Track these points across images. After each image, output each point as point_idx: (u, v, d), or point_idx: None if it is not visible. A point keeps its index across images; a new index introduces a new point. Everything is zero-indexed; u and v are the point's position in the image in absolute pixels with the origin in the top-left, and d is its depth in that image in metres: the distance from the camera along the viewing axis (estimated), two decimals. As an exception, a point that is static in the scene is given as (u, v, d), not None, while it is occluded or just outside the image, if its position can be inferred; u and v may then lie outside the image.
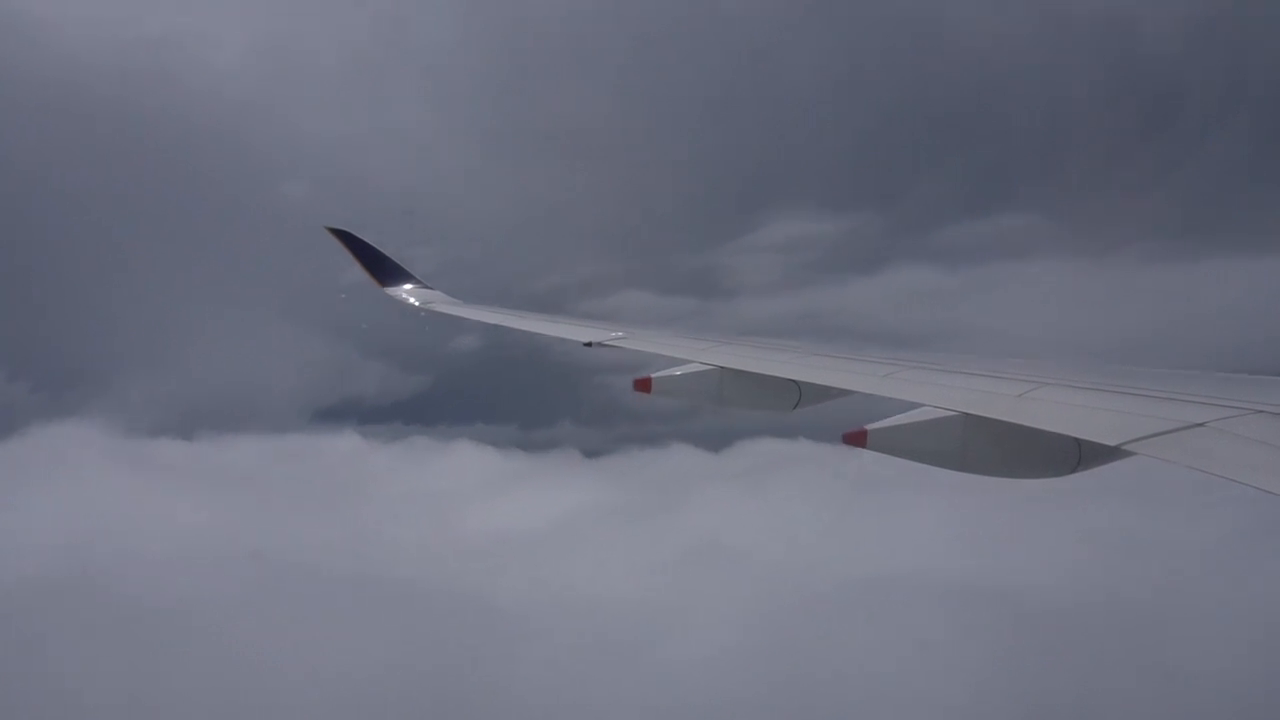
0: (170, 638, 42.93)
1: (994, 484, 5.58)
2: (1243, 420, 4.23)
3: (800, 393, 7.41)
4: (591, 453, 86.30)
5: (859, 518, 59.92)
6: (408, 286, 15.61)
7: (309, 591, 48.79)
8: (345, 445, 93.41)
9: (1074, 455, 5.14)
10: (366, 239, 16.07)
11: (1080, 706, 38.32)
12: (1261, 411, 4.28)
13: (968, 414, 5.29)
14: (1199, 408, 4.48)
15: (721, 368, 7.71)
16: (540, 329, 11.18)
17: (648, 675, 41.52)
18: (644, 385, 7.79)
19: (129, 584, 47.01)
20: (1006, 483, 5.58)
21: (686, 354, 8.20)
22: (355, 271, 15.89)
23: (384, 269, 15.79)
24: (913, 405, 5.57)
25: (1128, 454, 4.34)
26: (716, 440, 79.66)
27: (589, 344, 9.58)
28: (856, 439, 5.38)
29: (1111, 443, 4.37)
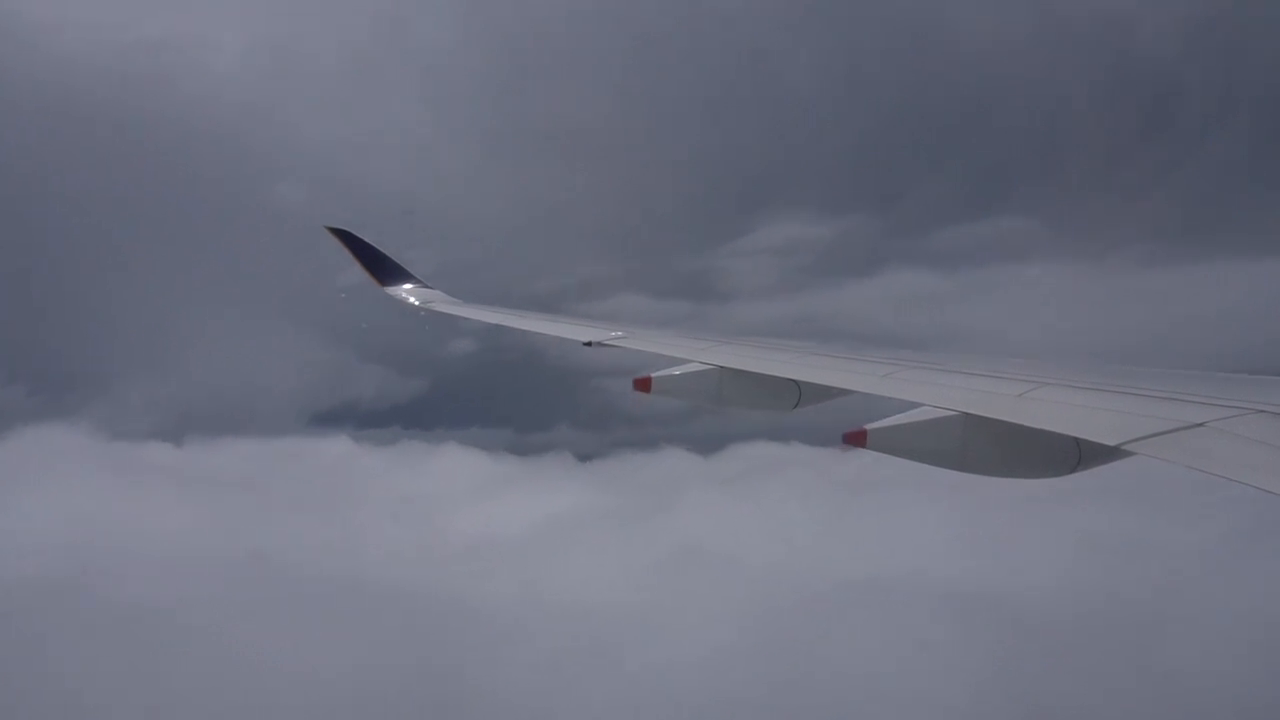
0: (148, 640, 42.69)
1: (993, 484, 5.58)
2: (1242, 420, 4.23)
3: (800, 392, 7.41)
4: (585, 456, 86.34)
5: (850, 520, 59.93)
6: (407, 286, 15.59)
7: (289, 594, 48.53)
8: (336, 449, 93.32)
9: (1074, 455, 5.14)
10: (366, 239, 16.07)
11: (1079, 707, 38.29)
12: (1261, 411, 4.28)
13: (968, 414, 5.29)
14: (1199, 408, 4.48)
15: (721, 367, 7.70)
16: (540, 328, 11.18)
17: (626, 679, 41.30)
18: (644, 385, 7.78)
19: (106, 586, 46.76)
20: (1005, 483, 5.58)
21: (686, 353, 8.20)
22: (354, 272, 15.89)
23: (384, 268, 15.78)
24: (913, 405, 5.57)
25: (1127, 454, 4.34)
26: (710, 444, 79.65)
27: (589, 343, 9.58)
28: (856, 439, 5.38)
29: (1111, 442, 4.37)
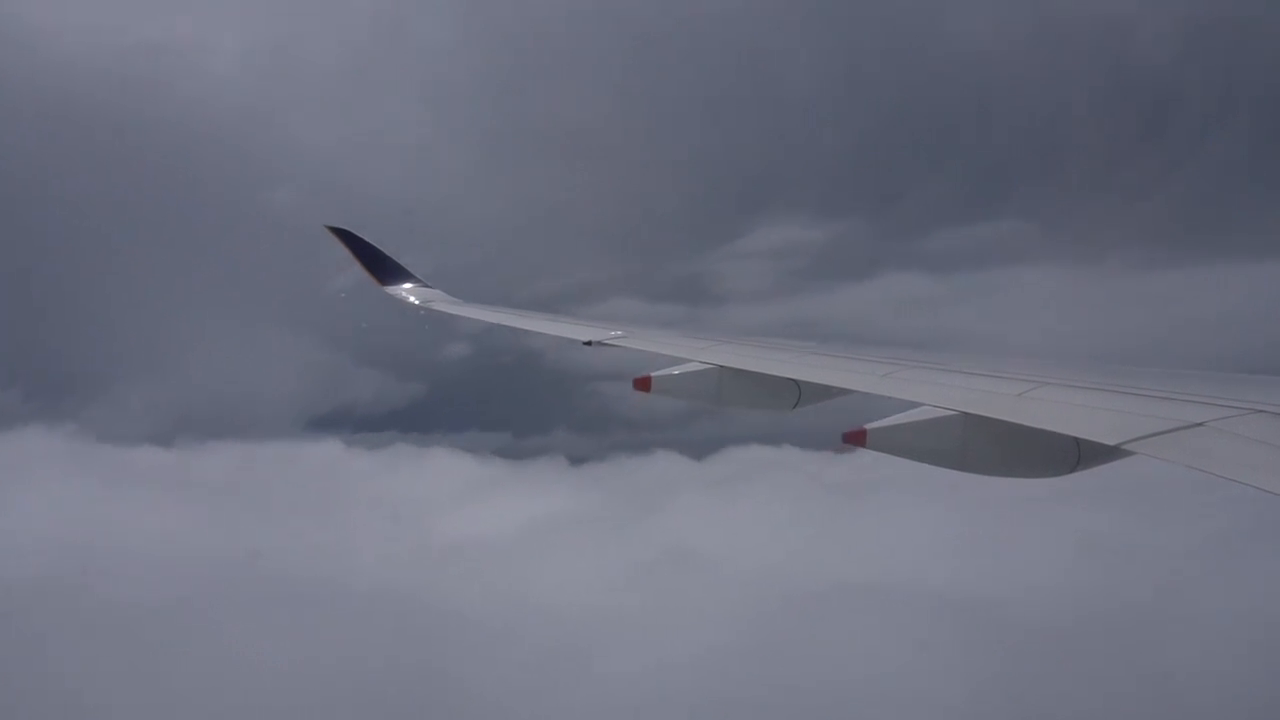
0: (130, 642, 42.49)
1: (989, 484, 5.58)
2: (1242, 420, 4.23)
3: (800, 392, 7.42)
4: (578, 460, 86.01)
5: (840, 523, 59.63)
6: (407, 285, 15.60)
7: (269, 597, 48.06)
8: (327, 453, 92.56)
9: (1073, 455, 5.14)
10: (366, 238, 16.08)
11: (1078, 708, 38.26)
12: (1261, 411, 4.28)
13: (967, 413, 5.29)
14: (1198, 407, 4.48)
15: (721, 367, 7.71)
16: (540, 328, 11.20)
17: (601, 683, 40.97)
18: (643, 384, 7.79)
19: (81, 589, 46.48)
20: (1002, 483, 5.58)
21: (686, 353, 8.21)
22: (353, 272, 15.89)
23: (384, 268, 15.78)
24: (912, 404, 5.58)
25: (1127, 453, 4.34)
26: (703, 447, 79.45)
27: (588, 343, 9.60)
28: (856, 438, 5.38)
29: (1111, 442, 4.37)
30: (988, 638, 41.93)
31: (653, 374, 7.81)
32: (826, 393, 7.24)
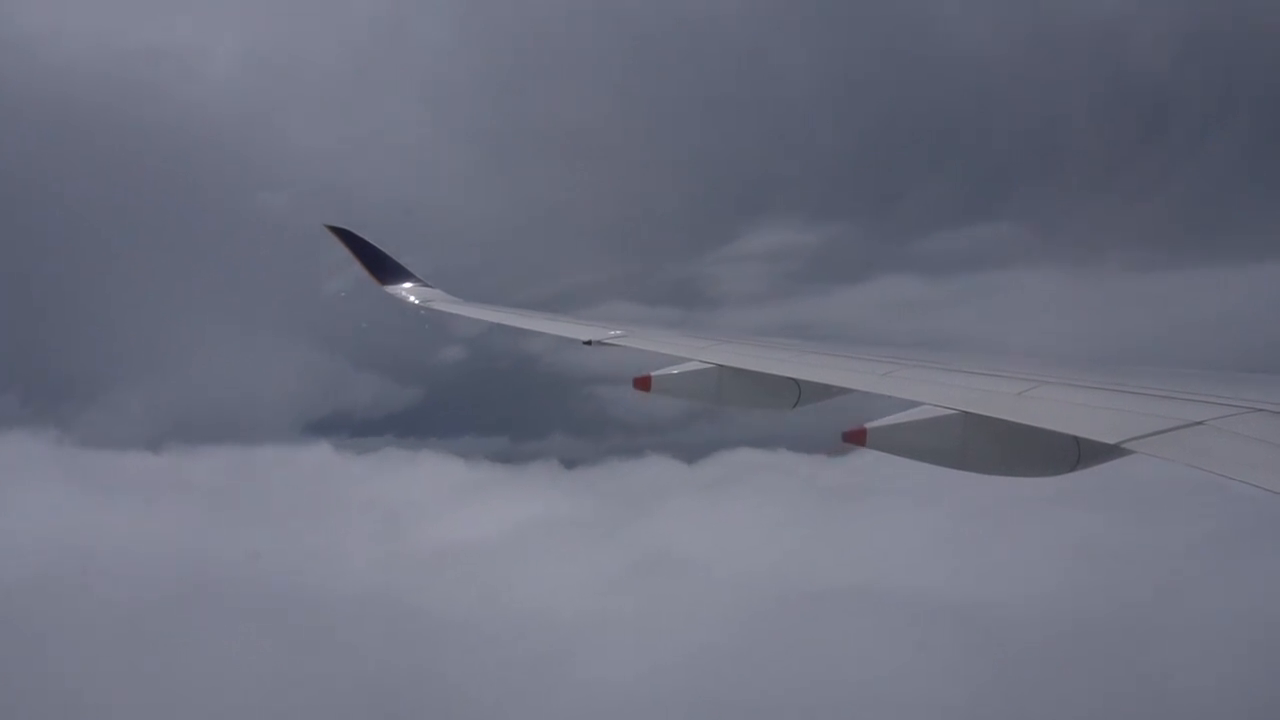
0: (108, 649, 42.31)
1: (986, 485, 5.58)
2: (1242, 419, 4.23)
3: (800, 391, 7.42)
4: (571, 463, 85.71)
5: (829, 527, 59.21)
6: (407, 285, 15.58)
7: (249, 602, 47.63)
8: (315, 457, 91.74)
9: (1073, 454, 5.14)
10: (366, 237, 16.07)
11: (1077, 709, 38.22)
12: (1261, 410, 4.28)
13: (967, 412, 5.29)
14: (1198, 406, 4.48)
15: (721, 366, 7.71)
16: (540, 327, 11.20)
17: (580, 688, 40.72)
18: (643, 384, 7.79)
19: (55, 594, 46.23)
20: (999, 483, 5.58)
21: (686, 352, 8.21)
22: (353, 273, 15.87)
23: (384, 267, 15.77)
24: (912, 403, 5.58)
25: (1127, 452, 4.35)
26: (696, 450, 79.18)
27: (589, 342, 9.59)
28: (856, 437, 5.39)
29: (1110, 441, 4.37)
30: (985, 640, 41.83)
31: (653, 373, 7.81)
32: (826, 392, 7.25)
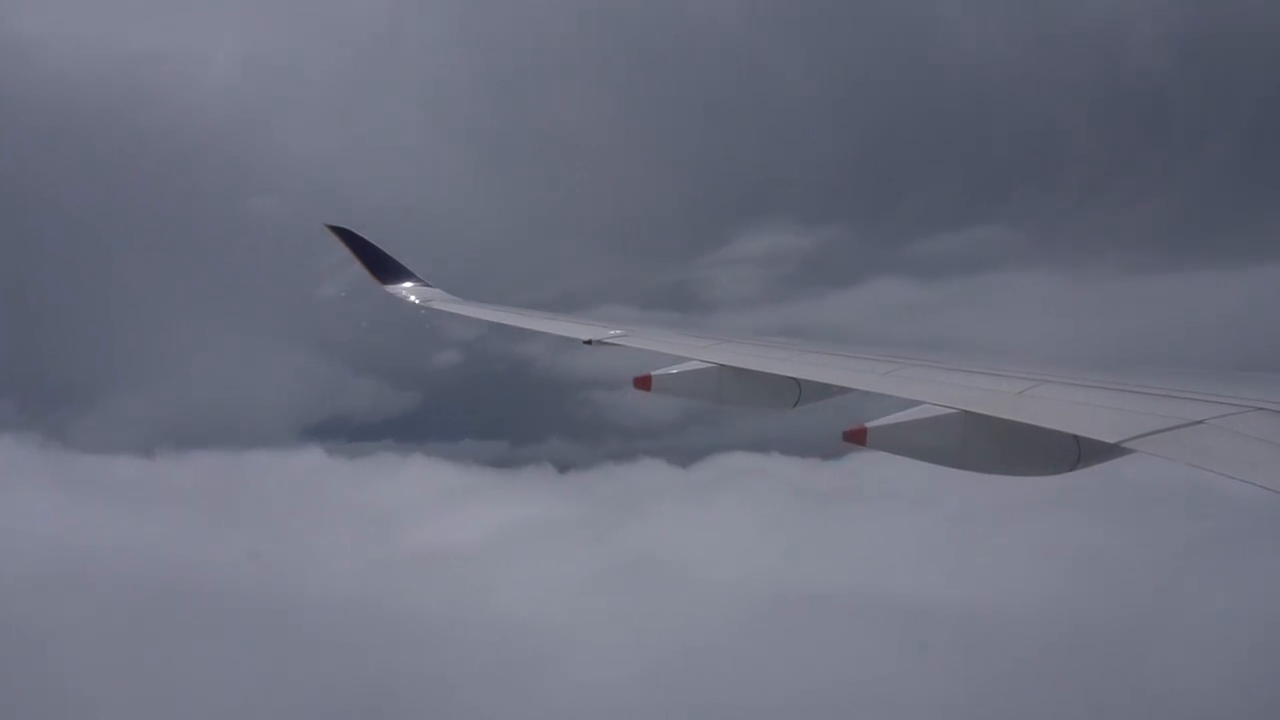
0: (82, 659, 42.14)
1: (982, 485, 5.58)
2: (1242, 418, 4.23)
3: (800, 390, 7.42)
4: (564, 468, 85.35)
5: (823, 530, 58.88)
6: (408, 284, 15.56)
7: (232, 606, 47.31)
8: (307, 461, 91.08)
9: (1073, 453, 5.14)
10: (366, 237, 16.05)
11: (1076, 710, 38.19)
12: (1262, 409, 4.28)
13: (967, 411, 5.29)
14: (1198, 405, 4.48)
15: (721, 365, 7.71)
16: (540, 326, 11.19)
17: (563, 693, 40.51)
18: (644, 383, 7.79)
19: (30, 600, 45.95)
20: (994, 483, 5.58)
21: (686, 352, 8.20)
22: (353, 272, 15.85)
23: (384, 267, 15.75)
24: (912, 403, 5.58)
25: (1127, 451, 4.35)
26: (690, 454, 78.84)
27: (589, 341, 9.59)
28: (856, 436, 5.38)
29: (1111, 440, 4.37)
30: (985, 640, 41.80)
31: (653, 373, 7.81)
32: (827, 391, 7.25)
